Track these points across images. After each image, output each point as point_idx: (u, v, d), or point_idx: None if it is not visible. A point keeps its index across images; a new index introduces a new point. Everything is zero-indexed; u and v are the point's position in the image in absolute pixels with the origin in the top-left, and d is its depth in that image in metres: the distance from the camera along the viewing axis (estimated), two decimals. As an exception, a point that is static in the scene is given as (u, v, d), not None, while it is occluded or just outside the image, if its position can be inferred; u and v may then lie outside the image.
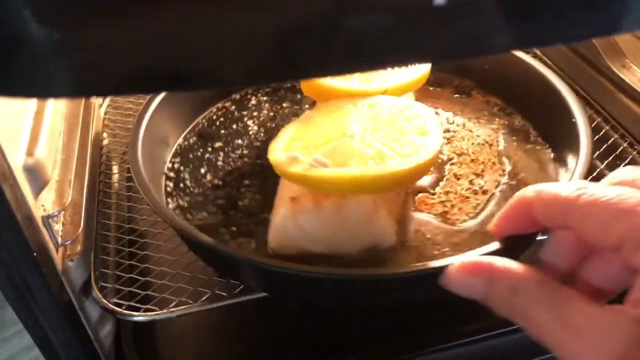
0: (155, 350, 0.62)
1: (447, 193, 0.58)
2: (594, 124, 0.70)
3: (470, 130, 0.66)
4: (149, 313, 0.52)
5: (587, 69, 0.73)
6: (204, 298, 0.52)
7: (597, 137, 0.69)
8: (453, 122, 0.67)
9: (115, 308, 0.52)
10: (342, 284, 0.46)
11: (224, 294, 0.53)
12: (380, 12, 0.24)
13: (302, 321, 0.62)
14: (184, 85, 0.25)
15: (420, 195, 0.58)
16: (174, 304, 0.52)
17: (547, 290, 0.28)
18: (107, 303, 0.52)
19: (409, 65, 0.50)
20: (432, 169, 0.58)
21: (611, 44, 0.69)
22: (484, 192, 0.58)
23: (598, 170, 0.66)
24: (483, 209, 0.56)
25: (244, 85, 0.62)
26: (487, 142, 0.64)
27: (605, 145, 0.68)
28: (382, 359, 0.59)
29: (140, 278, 0.55)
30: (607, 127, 0.70)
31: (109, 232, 0.60)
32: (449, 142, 0.64)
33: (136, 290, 0.54)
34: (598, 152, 0.68)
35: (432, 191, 0.58)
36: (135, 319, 0.52)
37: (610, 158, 0.66)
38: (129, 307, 0.52)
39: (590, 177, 0.64)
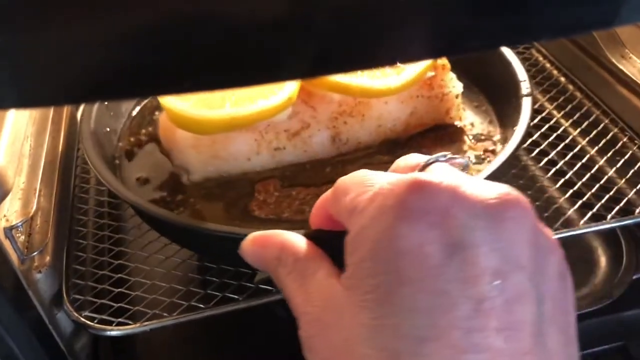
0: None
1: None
2: (592, 118, 0.68)
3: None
4: (122, 327, 0.49)
5: (585, 60, 0.70)
6: (180, 310, 0.50)
7: (595, 131, 0.66)
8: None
9: (87, 322, 0.49)
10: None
11: (201, 305, 0.50)
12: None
13: (281, 331, 0.60)
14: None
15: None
16: (148, 316, 0.49)
17: (301, 264, 0.30)
18: (79, 317, 0.49)
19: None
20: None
21: (610, 33, 0.66)
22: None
23: (597, 166, 0.63)
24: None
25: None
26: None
27: (605, 140, 0.65)
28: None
29: (114, 289, 0.52)
30: (607, 121, 0.67)
31: (83, 241, 0.57)
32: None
33: (109, 303, 0.51)
34: (597, 147, 0.65)
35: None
36: (109, 333, 0.49)
37: (610, 153, 0.63)
38: (102, 320, 0.50)
39: (588, 173, 0.61)
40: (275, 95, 0.54)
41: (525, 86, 0.60)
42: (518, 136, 0.55)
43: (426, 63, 0.59)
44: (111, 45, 0.19)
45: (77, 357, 0.54)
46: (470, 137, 0.63)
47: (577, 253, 0.68)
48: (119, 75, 0.20)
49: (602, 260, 0.67)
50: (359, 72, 0.57)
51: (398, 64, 0.57)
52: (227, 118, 0.53)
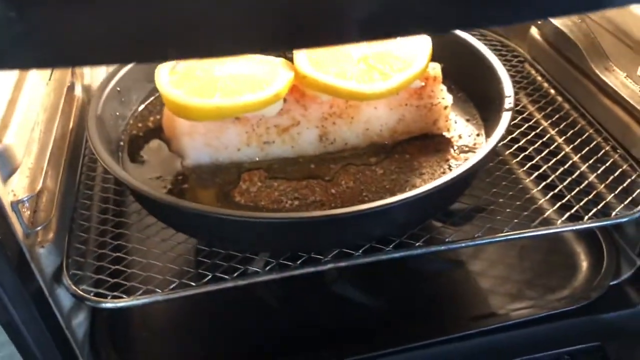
0: (129, 339, 0.63)
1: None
2: (577, 127, 0.70)
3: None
4: (116, 300, 0.52)
5: (573, 73, 0.73)
6: (172, 287, 0.53)
7: (580, 139, 0.69)
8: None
9: (84, 295, 0.53)
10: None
11: (192, 283, 0.53)
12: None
13: (271, 311, 0.63)
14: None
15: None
16: (141, 292, 0.53)
17: None
18: (77, 290, 0.53)
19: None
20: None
21: (595, 46, 0.69)
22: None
23: (578, 172, 0.66)
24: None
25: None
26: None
27: (588, 148, 0.67)
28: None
29: (111, 267, 0.56)
30: (591, 130, 0.69)
31: (86, 222, 0.61)
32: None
33: (106, 278, 0.55)
34: (580, 154, 0.68)
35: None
36: (104, 305, 0.53)
37: (592, 161, 0.66)
38: (98, 294, 0.53)
39: (570, 177, 0.64)
40: (262, 91, 0.58)
41: (508, 101, 0.62)
42: (487, 148, 0.57)
43: (413, 72, 0.62)
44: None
45: (74, 332, 0.58)
46: (455, 148, 0.66)
47: (560, 259, 0.70)
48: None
49: (584, 265, 0.69)
50: (348, 75, 0.61)
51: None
52: (214, 107, 0.57)
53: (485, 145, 0.59)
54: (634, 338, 0.66)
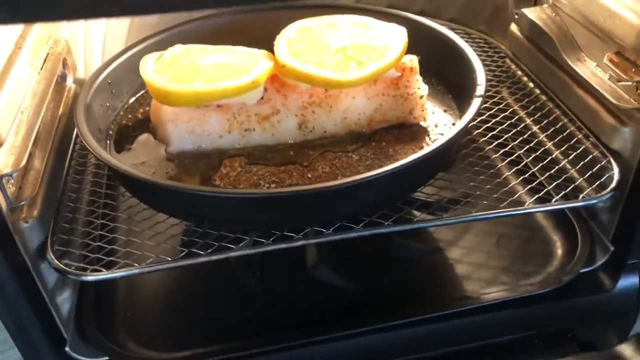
0: (115, 318, 0.65)
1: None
2: (552, 117, 0.72)
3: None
4: (96, 273, 0.55)
5: (549, 65, 0.75)
6: (149, 261, 0.55)
7: (554, 128, 0.71)
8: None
9: (66, 268, 0.55)
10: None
11: (168, 258, 0.56)
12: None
13: (253, 293, 0.66)
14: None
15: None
16: (119, 265, 0.55)
17: None
18: (59, 264, 0.55)
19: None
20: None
21: (567, 38, 0.71)
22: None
23: (550, 158, 0.68)
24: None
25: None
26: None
27: (561, 136, 0.69)
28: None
29: (93, 243, 0.59)
30: (566, 120, 0.71)
31: (73, 203, 0.64)
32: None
33: (87, 254, 0.57)
34: (553, 142, 0.69)
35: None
36: (84, 278, 0.55)
37: (564, 147, 0.68)
38: (79, 267, 0.56)
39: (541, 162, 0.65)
40: (240, 78, 0.61)
41: (480, 89, 0.65)
42: (454, 130, 0.59)
43: (387, 62, 0.65)
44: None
45: (59, 308, 0.60)
46: (431, 136, 0.68)
47: (537, 247, 0.72)
48: None
49: (559, 253, 0.70)
50: (325, 64, 0.64)
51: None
52: (193, 92, 0.60)
53: (452, 129, 0.61)
54: (605, 321, 0.68)
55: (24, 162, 0.53)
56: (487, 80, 0.66)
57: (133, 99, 0.75)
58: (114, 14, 0.29)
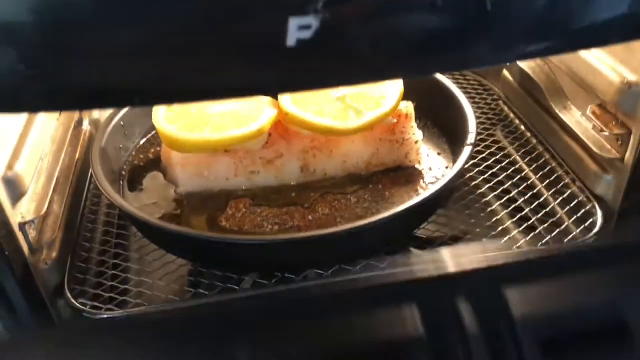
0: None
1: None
2: (542, 161, 0.76)
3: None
4: (110, 312, 0.59)
5: (538, 111, 0.79)
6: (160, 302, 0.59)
7: (543, 172, 0.75)
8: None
9: (81, 307, 0.59)
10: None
11: (176, 298, 0.60)
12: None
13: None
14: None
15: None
16: (131, 305, 0.59)
17: None
18: (75, 303, 0.59)
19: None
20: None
21: (556, 87, 0.75)
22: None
23: (543, 197, 0.71)
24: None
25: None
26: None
27: (548, 181, 0.73)
28: None
29: (107, 283, 0.62)
30: (554, 164, 0.75)
31: (88, 244, 0.68)
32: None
33: (102, 293, 0.61)
34: (543, 184, 0.73)
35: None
36: (98, 317, 0.59)
37: (552, 191, 0.71)
38: (94, 307, 0.59)
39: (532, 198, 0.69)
40: (247, 126, 0.65)
41: (471, 137, 0.69)
42: (444, 180, 0.63)
43: (384, 110, 0.69)
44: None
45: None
46: (425, 179, 0.72)
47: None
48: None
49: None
50: (326, 113, 0.68)
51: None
52: (203, 140, 0.65)
53: (439, 181, 0.65)
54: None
55: (45, 209, 0.57)
56: (481, 123, 0.70)
57: (144, 139, 0.80)
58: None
